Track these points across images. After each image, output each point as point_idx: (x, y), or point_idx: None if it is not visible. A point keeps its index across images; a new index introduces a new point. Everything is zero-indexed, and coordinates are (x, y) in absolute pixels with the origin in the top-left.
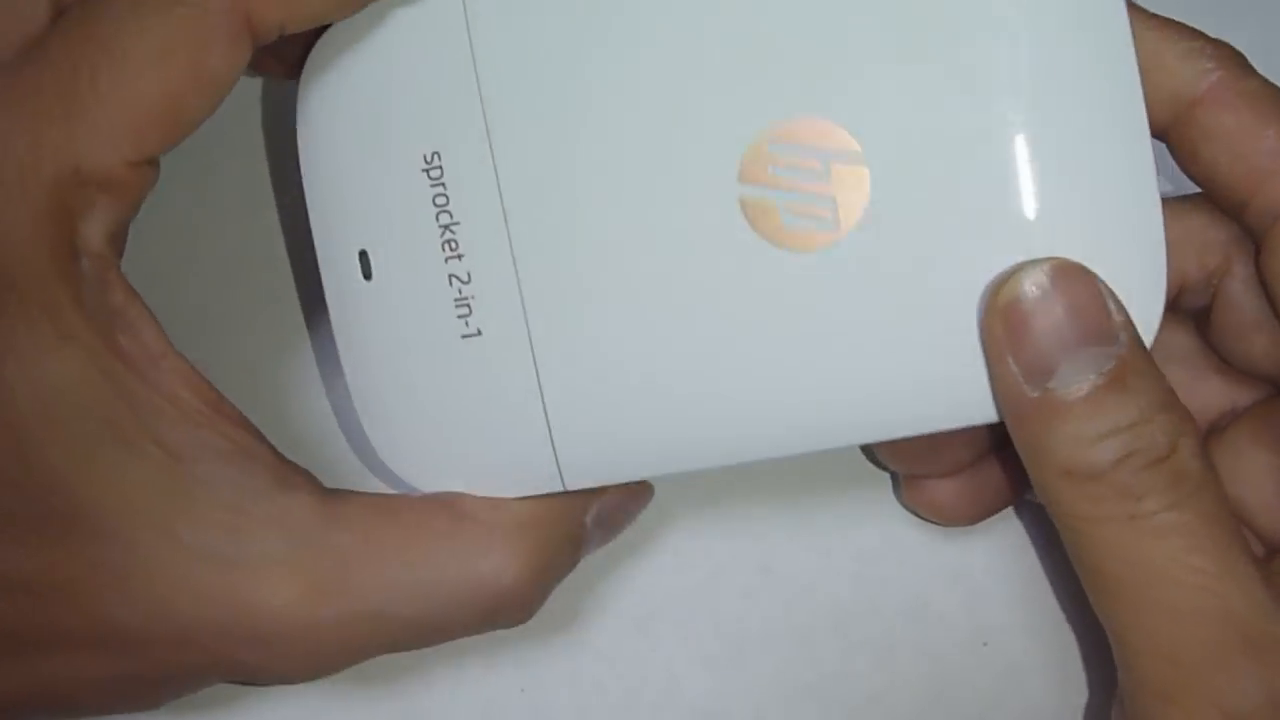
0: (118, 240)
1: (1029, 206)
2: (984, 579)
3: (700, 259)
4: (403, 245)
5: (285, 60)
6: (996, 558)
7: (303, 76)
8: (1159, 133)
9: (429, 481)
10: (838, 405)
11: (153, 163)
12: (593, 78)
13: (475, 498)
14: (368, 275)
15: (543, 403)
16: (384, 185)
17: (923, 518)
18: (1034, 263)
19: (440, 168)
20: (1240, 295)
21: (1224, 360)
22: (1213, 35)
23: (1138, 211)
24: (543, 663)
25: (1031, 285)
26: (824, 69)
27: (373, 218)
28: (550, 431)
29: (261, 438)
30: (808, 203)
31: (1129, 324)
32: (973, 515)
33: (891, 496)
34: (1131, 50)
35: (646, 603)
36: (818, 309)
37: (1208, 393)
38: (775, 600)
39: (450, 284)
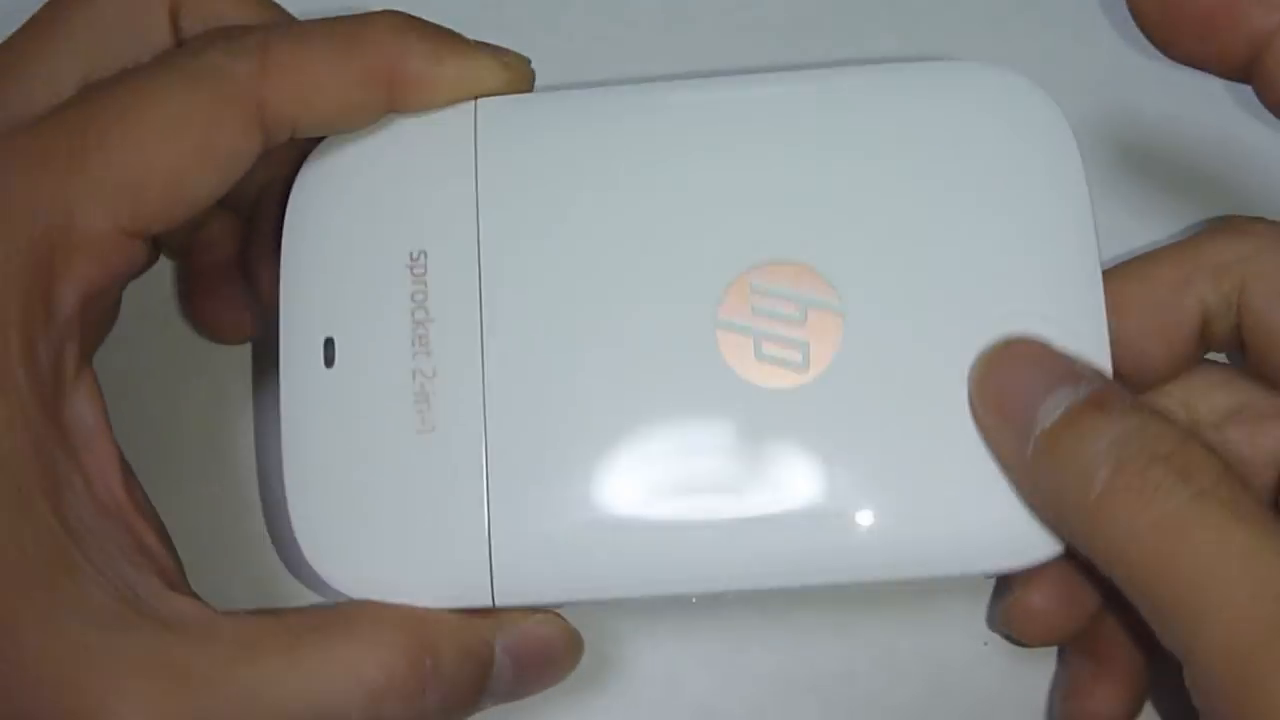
0: (95, 309)
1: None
2: (984, 579)
3: (670, 383)
4: (371, 335)
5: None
6: None
7: (303, 166)
8: (1241, 76)
9: (350, 581)
10: (795, 543)
11: (146, 240)
12: (588, 207)
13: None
14: (330, 363)
15: (486, 511)
16: (364, 275)
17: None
18: (990, 347)
19: (425, 266)
20: (1264, 308)
21: (1272, 388)
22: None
23: (1088, 336)
24: None
25: (990, 360)
26: (810, 219)
27: (346, 305)
28: (489, 539)
29: (169, 545)
30: (781, 343)
31: (1097, 374)
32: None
33: None
34: (1084, 192)
35: (646, 603)
36: (777, 443)
37: (1272, 440)
38: (776, 600)
39: (413, 378)
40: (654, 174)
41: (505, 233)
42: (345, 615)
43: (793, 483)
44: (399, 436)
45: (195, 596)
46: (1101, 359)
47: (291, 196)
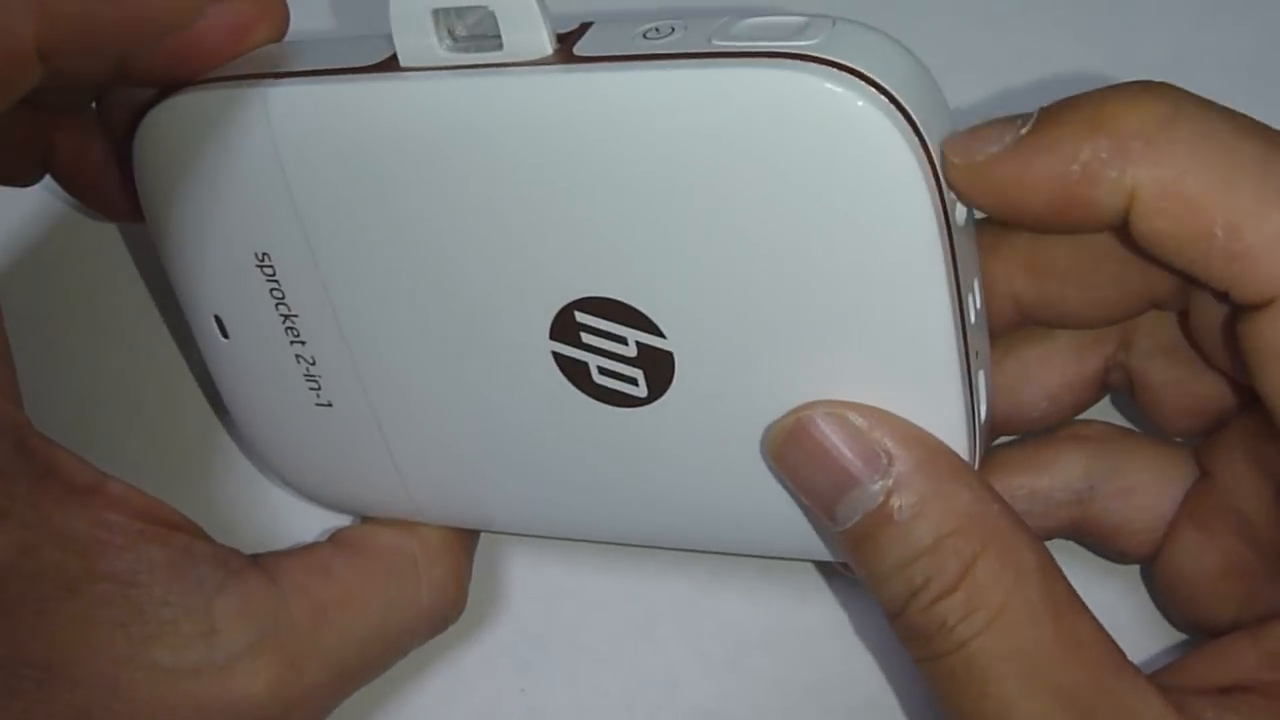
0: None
1: (825, 389)
2: None
3: (518, 392)
4: (251, 323)
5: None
6: None
7: (135, 148)
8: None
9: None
10: (648, 521)
11: None
12: (410, 224)
13: (386, 532)
14: (225, 335)
15: (397, 471)
16: (225, 270)
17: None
18: (779, 421)
19: (271, 266)
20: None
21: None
22: (1216, 36)
23: (937, 381)
24: (543, 663)
25: (782, 444)
26: (636, 257)
27: (220, 293)
28: (406, 491)
29: (196, 529)
30: (617, 368)
31: (896, 458)
32: None
33: None
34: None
35: (647, 604)
36: (624, 452)
37: (1206, 389)
38: (775, 600)
39: (298, 363)
40: (480, 198)
41: (332, 232)
42: (378, 549)
43: (648, 477)
44: (306, 410)
45: (236, 553)
46: (953, 414)
47: (137, 181)
